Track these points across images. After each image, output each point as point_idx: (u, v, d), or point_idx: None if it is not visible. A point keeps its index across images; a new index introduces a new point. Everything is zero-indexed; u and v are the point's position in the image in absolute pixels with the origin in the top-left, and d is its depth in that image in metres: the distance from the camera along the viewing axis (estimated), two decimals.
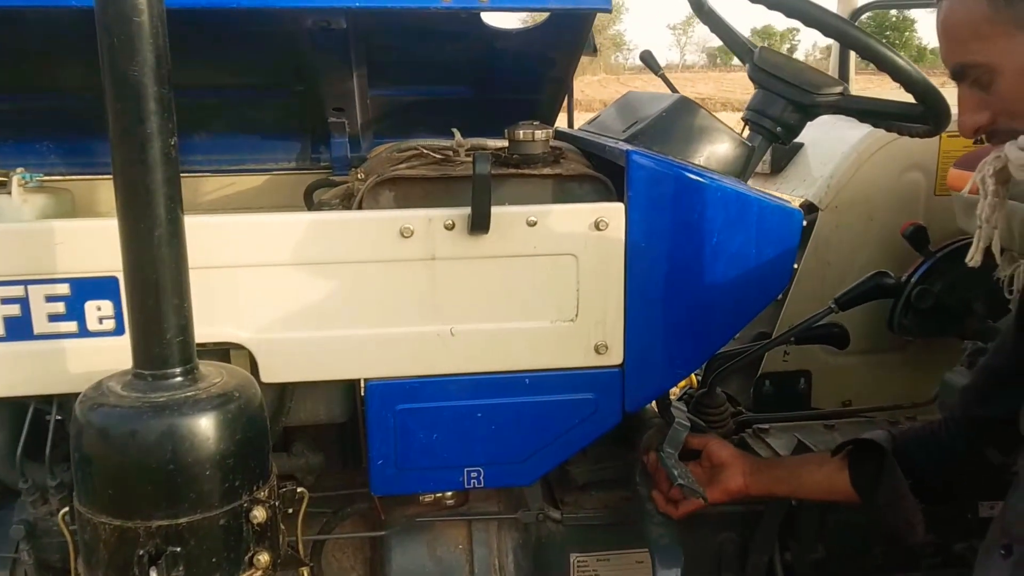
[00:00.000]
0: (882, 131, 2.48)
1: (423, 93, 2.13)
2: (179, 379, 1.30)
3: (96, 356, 1.54)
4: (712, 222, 1.64)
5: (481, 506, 1.86)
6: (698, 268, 1.65)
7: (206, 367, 1.37)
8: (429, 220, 1.57)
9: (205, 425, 1.27)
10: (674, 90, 2.23)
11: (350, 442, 1.89)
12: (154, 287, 1.26)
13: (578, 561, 1.93)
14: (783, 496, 1.87)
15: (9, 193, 1.88)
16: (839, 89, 1.84)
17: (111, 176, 2.12)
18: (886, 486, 1.67)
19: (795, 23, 1.79)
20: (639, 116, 1.83)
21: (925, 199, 2.67)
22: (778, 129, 1.85)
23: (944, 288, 2.47)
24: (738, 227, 1.66)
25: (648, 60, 2.29)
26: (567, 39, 1.91)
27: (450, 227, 1.57)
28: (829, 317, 2.26)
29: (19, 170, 1.93)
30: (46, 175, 2.03)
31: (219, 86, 2.01)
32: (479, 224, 1.54)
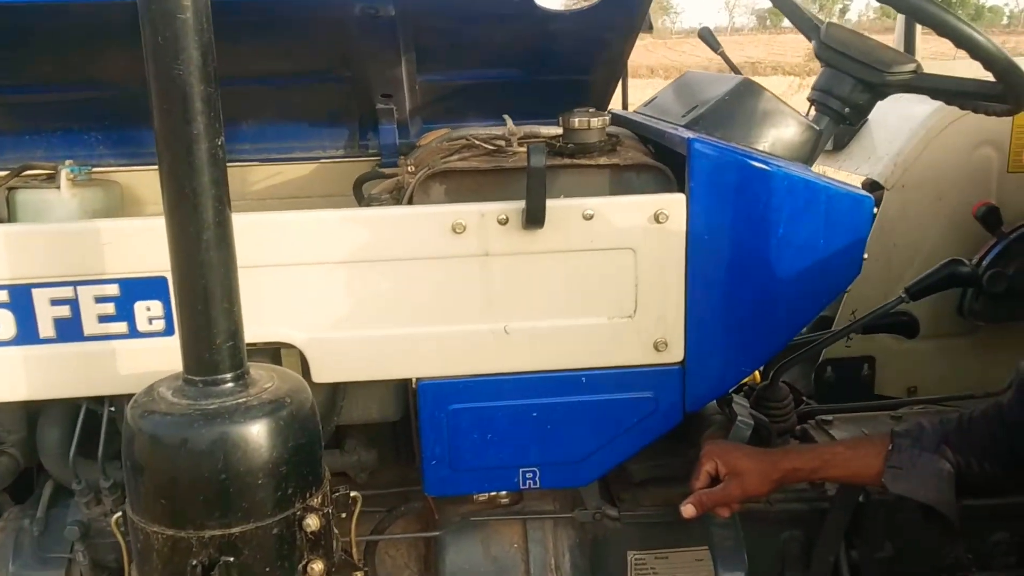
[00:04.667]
0: (952, 106, 2.37)
1: (473, 77, 2.07)
2: (230, 385, 1.27)
3: (146, 357, 1.52)
4: (778, 212, 1.56)
5: (536, 504, 1.82)
6: (763, 261, 1.58)
7: (256, 370, 1.34)
8: (482, 215, 1.51)
9: (257, 432, 1.24)
10: (735, 70, 2.14)
11: (403, 438, 1.86)
12: (203, 292, 1.23)
13: (636, 559, 1.88)
14: (805, 480, 1.80)
15: (58, 187, 1.87)
16: (912, 67, 1.74)
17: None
18: (913, 478, 1.59)
19: None
20: (699, 99, 1.75)
21: (998, 176, 2.54)
22: (846, 110, 1.76)
23: (1018, 271, 2.35)
24: (806, 216, 1.58)
25: (707, 37, 2.19)
26: (623, 20, 1.83)
27: (504, 222, 1.51)
28: (899, 307, 2.17)
29: (68, 163, 1.92)
30: (95, 166, 2.02)
31: (265, 74, 1.97)
32: (534, 219, 1.48)
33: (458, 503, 1.80)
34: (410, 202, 1.59)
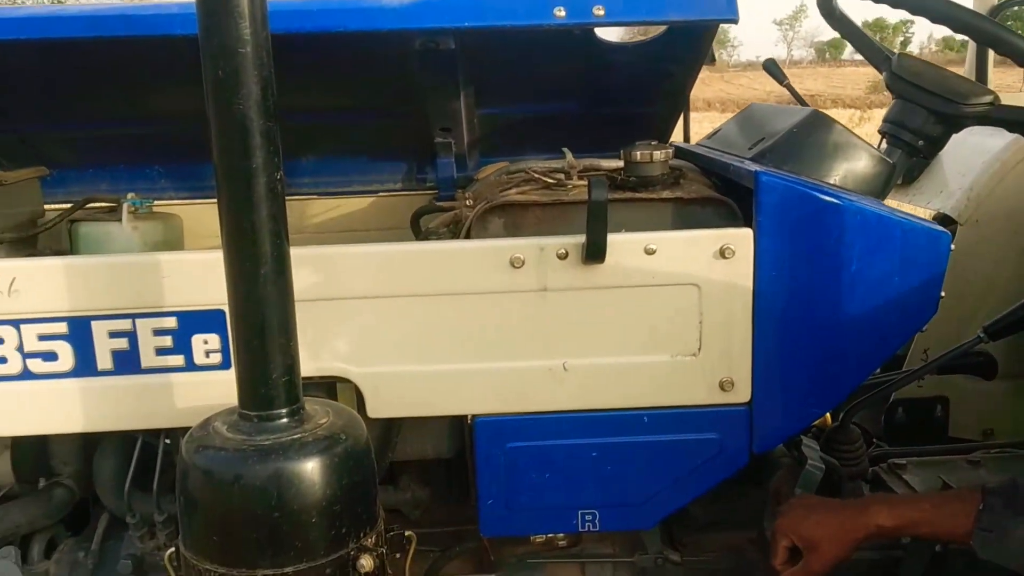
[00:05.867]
0: None
1: (532, 110, 2.05)
2: (285, 420, 1.25)
3: (203, 390, 1.51)
4: (851, 248, 1.50)
5: (595, 547, 1.76)
6: (835, 298, 1.52)
7: (311, 406, 1.32)
8: (541, 249, 1.48)
9: (312, 469, 1.22)
10: (801, 101, 2.08)
11: (458, 475, 1.82)
12: (260, 326, 1.22)
13: None
14: (886, 538, 1.68)
15: (120, 220, 1.88)
16: (988, 98, 1.67)
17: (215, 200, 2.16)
18: (1005, 544, 1.48)
19: (910, 16, 1.65)
20: (766, 132, 1.70)
21: None
22: (920, 143, 1.70)
23: None
24: (879, 253, 1.52)
25: (772, 69, 2.15)
26: (687, 51, 1.80)
27: (563, 256, 1.48)
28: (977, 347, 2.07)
29: (129, 196, 1.94)
30: (156, 199, 2.04)
31: (325, 109, 1.97)
32: (594, 254, 1.45)
33: (514, 544, 1.75)
34: (468, 236, 1.57)
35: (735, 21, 1.54)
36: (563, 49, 1.78)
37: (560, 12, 1.50)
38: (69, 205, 2.00)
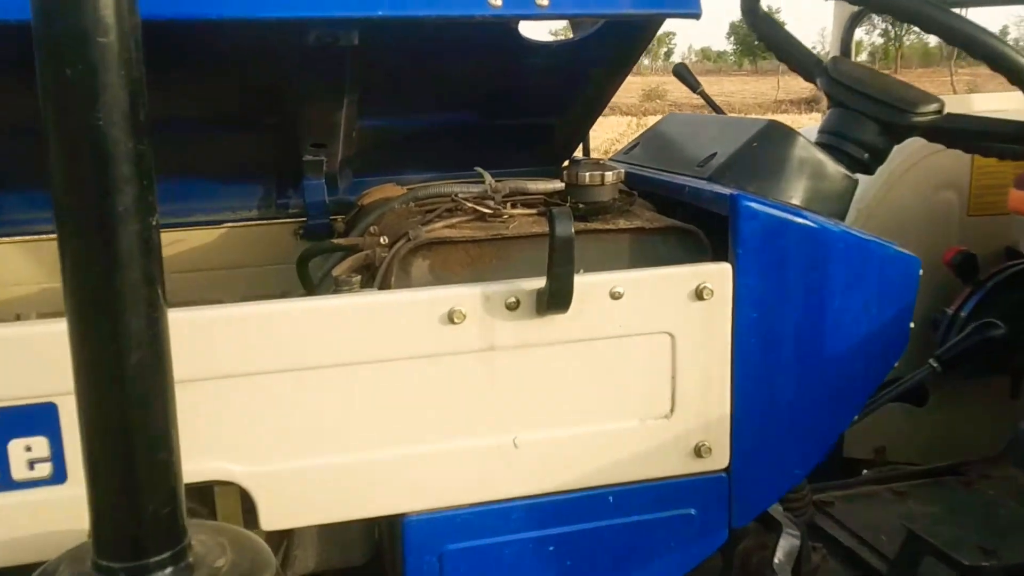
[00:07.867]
0: (916, 146, 2.21)
1: (421, 122, 1.72)
2: (168, 570, 0.87)
3: (25, 515, 1.09)
4: (835, 281, 1.31)
5: None
6: (818, 340, 1.31)
7: (198, 537, 0.94)
8: (486, 299, 1.17)
9: None
10: (717, 109, 1.88)
11: None
12: (127, 440, 0.84)
13: None
14: None
15: None
16: (936, 106, 1.53)
17: (20, 238, 1.67)
18: None
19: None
20: (712, 146, 1.47)
21: (959, 220, 2.42)
22: (865, 155, 1.54)
23: (1000, 321, 2.20)
24: (860, 284, 1.33)
25: (683, 74, 1.94)
26: (617, 53, 1.53)
27: (513, 306, 1.18)
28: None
29: None
30: None
31: (168, 119, 1.55)
32: (559, 302, 1.15)
33: None
34: (385, 283, 1.22)
35: (697, 16, 1.29)
36: (475, 48, 1.47)
37: (496, 1, 1.20)
38: None
